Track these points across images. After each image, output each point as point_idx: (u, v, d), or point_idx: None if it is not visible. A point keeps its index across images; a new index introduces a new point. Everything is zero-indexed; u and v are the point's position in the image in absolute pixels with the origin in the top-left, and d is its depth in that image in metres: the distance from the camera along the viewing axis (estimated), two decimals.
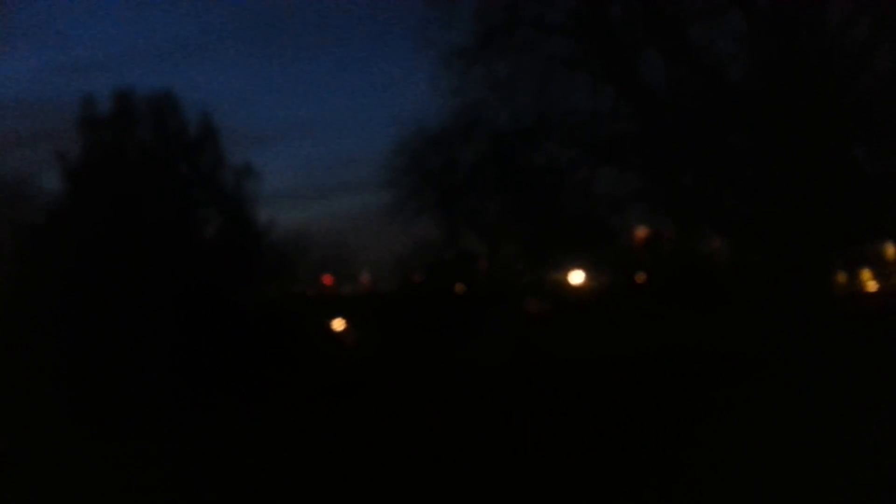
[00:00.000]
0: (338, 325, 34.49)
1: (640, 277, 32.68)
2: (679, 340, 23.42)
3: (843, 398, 14.40)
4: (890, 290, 30.99)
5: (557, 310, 32.67)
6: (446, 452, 15.60)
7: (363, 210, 60.45)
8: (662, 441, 13.90)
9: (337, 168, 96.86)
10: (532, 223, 24.33)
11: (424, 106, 25.23)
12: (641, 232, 29.61)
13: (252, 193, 30.85)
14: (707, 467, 11.80)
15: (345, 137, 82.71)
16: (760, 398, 15.48)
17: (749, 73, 20.02)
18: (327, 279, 39.75)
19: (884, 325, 21.50)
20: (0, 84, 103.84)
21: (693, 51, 19.34)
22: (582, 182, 21.48)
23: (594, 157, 21.05)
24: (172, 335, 26.51)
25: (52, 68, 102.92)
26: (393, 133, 23.14)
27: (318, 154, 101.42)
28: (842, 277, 27.38)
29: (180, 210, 29.43)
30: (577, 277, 33.25)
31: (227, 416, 25.15)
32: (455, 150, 23.17)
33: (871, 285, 32.01)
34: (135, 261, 26.73)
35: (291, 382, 27.70)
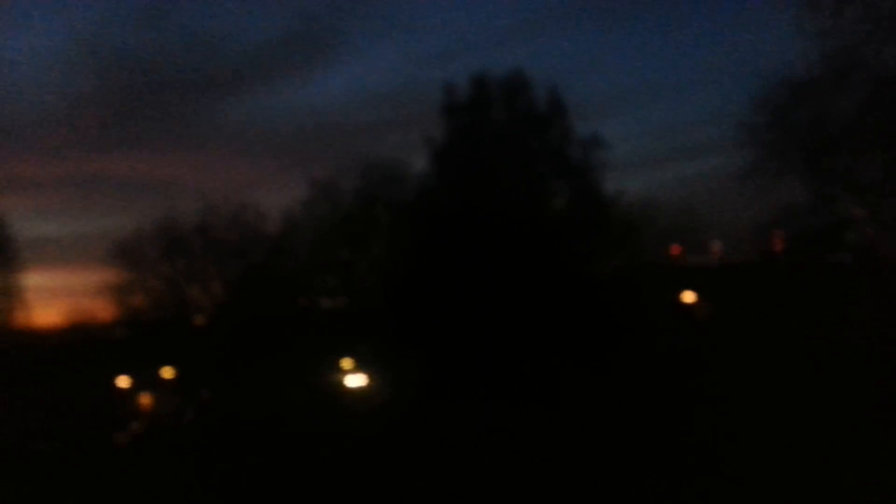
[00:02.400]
0: (688, 297, 31.96)
1: None
2: None
3: None
4: None
5: None
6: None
7: (714, 174, 56.25)
8: None
9: (686, 131, 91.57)
10: None
11: (786, 55, 21.95)
12: None
13: (599, 163, 29.84)
14: None
15: (695, 98, 77.19)
16: None
17: None
18: (675, 249, 37.12)
19: None
20: (372, 77, 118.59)
21: None
22: None
23: None
24: (526, 306, 26.97)
25: (413, 59, 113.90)
26: (751, 88, 20.40)
27: (666, 118, 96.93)
28: None
29: (531, 185, 29.68)
30: None
31: (580, 385, 24.99)
32: (826, 101, 19.61)
33: None
34: (492, 235, 27.66)
35: (639, 355, 26.55)
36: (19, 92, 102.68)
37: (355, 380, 41.20)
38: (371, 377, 40.45)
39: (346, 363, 40.87)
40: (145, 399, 40.72)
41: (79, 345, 36.35)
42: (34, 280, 35.07)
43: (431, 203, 30.28)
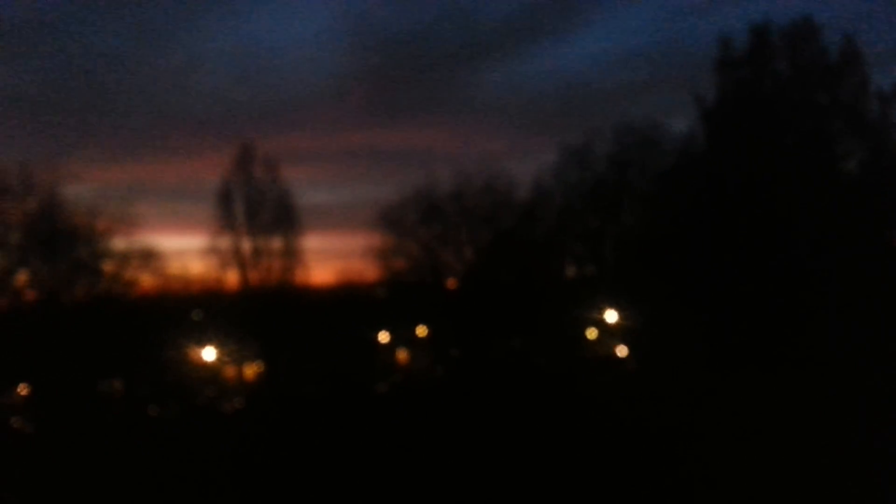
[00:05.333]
0: None
1: None
2: None
3: None
4: None
5: None
6: None
7: None
8: None
9: None
10: None
11: None
12: None
13: None
14: None
15: None
16: None
17: None
18: None
19: None
20: (626, 36, 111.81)
21: None
22: None
23: None
24: (814, 283, 22.90)
25: (671, 13, 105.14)
26: None
27: None
28: None
29: (820, 146, 25.06)
30: None
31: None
32: None
33: None
34: (773, 203, 23.76)
35: None
36: (295, 72, 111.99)
37: (604, 347, 39.18)
38: (625, 347, 38.29)
39: (591, 332, 38.96)
40: (402, 354, 41.95)
41: (346, 302, 37.91)
42: (311, 243, 36.87)
43: (699, 168, 26.91)
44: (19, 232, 29.26)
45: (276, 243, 36.35)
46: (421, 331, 38.96)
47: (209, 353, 37.50)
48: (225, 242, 36.11)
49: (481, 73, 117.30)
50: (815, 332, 22.46)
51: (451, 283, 36.77)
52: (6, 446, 28.56)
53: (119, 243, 30.29)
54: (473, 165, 34.93)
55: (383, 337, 40.14)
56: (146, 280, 31.38)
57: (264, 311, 35.55)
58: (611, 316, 34.97)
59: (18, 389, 35.74)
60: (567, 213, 33.66)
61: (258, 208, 36.09)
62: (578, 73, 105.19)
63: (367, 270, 35.79)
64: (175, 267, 32.43)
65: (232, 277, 36.47)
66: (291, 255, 36.50)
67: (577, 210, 33.62)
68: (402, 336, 40.27)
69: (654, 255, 30.15)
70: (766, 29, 25.46)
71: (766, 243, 23.69)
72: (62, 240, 29.81)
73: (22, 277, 29.67)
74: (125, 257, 30.73)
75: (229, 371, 40.09)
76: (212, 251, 36.02)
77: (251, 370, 39.68)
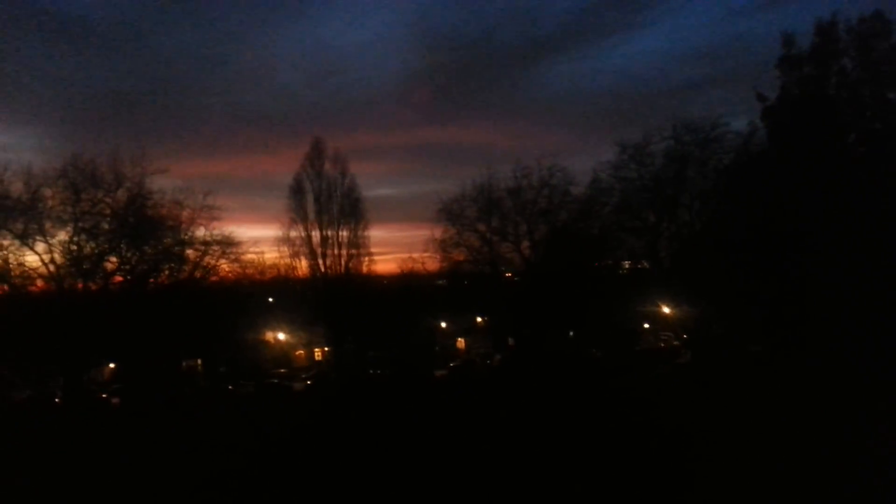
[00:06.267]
0: None
1: None
2: None
3: None
4: None
5: None
6: None
7: None
8: None
9: None
10: None
11: None
12: None
13: None
14: None
15: None
16: None
17: None
18: None
19: None
20: (688, 34, 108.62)
21: None
22: None
23: None
24: (882, 279, 22.26)
25: (734, 10, 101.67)
26: None
27: None
28: None
29: (890, 144, 24.40)
30: None
31: None
32: None
33: None
34: (835, 198, 23.27)
35: None
36: (363, 72, 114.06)
37: (657, 341, 39.08)
38: (678, 340, 38.09)
39: (645, 325, 38.90)
40: (461, 342, 42.81)
41: (408, 291, 38.84)
42: (376, 234, 38.11)
43: (759, 165, 26.49)
44: (110, 221, 31.04)
45: (344, 234, 37.99)
46: (479, 320, 39.66)
47: (281, 336, 39.24)
48: (296, 233, 38.02)
49: (542, 72, 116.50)
50: (887, 333, 21.86)
51: (508, 274, 37.29)
52: (97, 417, 30.58)
53: (201, 232, 32.14)
54: (532, 161, 35.00)
55: (443, 324, 41.04)
56: (224, 267, 33.08)
57: (331, 298, 36.97)
58: (665, 310, 34.91)
59: (108, 366, 38.18)
60: (624, 208, 33.59)
61: (327, 201, 37.70)
62: (638, 71, 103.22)
63: (428, 261, 36.64)
64: (251, 255, 34.10)
65: (302, 266, 38.23)
66: (358, 245, 37.97)
67: (633, 206, 33.49)
68: (461, 324, 41.10)
69: (711, 251, 29.82)
70: (832, 25, 24.83)
71: (828, 243, 23.23)
72: (149, 228, 31.45)
73: (112, 263, 31.55)
74: (206, 245, 32.43)
75: (300, 353, 41.78)
76: (284, 241, 37.96)
77: (320, 352, 41.26)
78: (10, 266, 29.33)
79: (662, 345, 38.50)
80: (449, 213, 35.34)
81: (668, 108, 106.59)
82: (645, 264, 35.02)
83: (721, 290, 27.71)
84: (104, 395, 35.08)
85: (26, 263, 29.65)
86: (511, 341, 38.86)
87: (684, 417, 20.12)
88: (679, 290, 32.26)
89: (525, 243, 35.69)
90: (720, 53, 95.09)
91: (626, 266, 35.90)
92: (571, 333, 36.28)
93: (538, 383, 29.97)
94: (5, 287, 29.84)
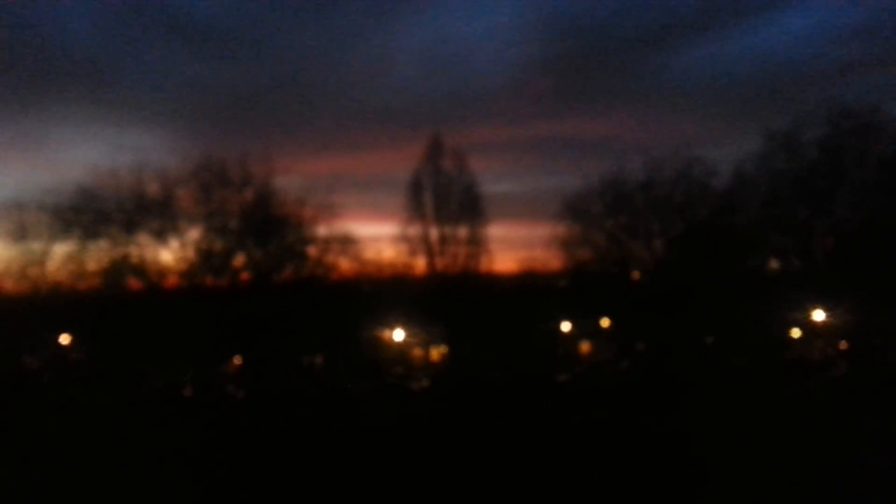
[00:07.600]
0: None
1: None
2: None
3: None
4: None
5: None
6: None
7: None
8: None
9: None
10: None
11: None
12: None
13: None
14: None
15: None
16: None
17: None
18: None
19: None
20: (838, 12, 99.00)
21: None
22: None
23: None
24: None
25: None
26: None
27: None
28: None
29: None
30: None
31: None
32: None
33: None
34: None
35: None
36: (482, 65, 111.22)
37: (809, 349, 35.13)
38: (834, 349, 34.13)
39: (795, 332, 35.01)
40: (585, 346, 40.45)
41: (529, 290, 37.11)
42: (495, 231, 36.54)
43: None
44: (238, 219, 31.47)
45: (463, 232, 36.43)
46: (604, 323, 37.21)
47: (398, 334, 38.40)
48: (415, 230, 36.96)
49: (672, 57, 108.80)
50: None
51: (637, 275, 34.63)
52: (221, 410, 31.03)
53: (322, 230, 31.81)
54: (665, 153, 32.23)
55: (565, 327, 38.86)
56: (344, 264, 32.71)
57: (450, 297, 35.70)
58: (818, 315, 31.16)
59: (234, 360, 38.83)
60: (772, 203, 30.25)
61: (446, 198, 36.29)
62: (783, 53, 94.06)
63: (550, 260, 34.64)
64: (369, 252, 33.54)
65: (420, 263, 37.16)
66: (476, 243, 36.36)
67: (783, 200, 30.11)
68: (585, 327, 38.75)
69: (873, 250, 26.59)
70: None
71: None
72: (273, 226, 31.66)
73: (239, 260, 31.94)
74: (327, 243, 32.12)
75: (417, 352, 40.91)
76: (402, 238, 36.93)
77: (437, 352, 40.16)
78: (146, 263, 30.37)
79: (815, 355, 34.52)
80: (574, 209, 33.25)
81: (818, 92, 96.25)
82: (795, 263, 31.42)
83: (881, 291, 24.57)
84: (229, 388, 35.55)
85: (160, 261, 30.67)
86: (640, 346, 36.14)
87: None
88: (835, 294, 28.88)
89: (658, 241, 33.02)
90: (878, 31, 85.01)
91: (774, 266, 32.39)
92: (710, 340, 33.13)
93: (673, 393, 27.49)
94: (141, 283, 30.86)
